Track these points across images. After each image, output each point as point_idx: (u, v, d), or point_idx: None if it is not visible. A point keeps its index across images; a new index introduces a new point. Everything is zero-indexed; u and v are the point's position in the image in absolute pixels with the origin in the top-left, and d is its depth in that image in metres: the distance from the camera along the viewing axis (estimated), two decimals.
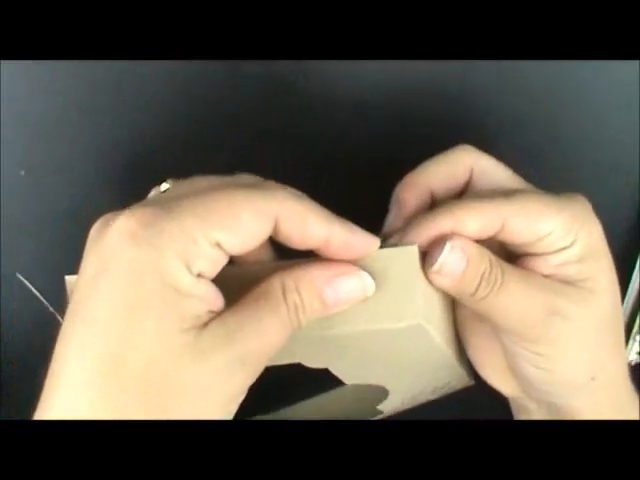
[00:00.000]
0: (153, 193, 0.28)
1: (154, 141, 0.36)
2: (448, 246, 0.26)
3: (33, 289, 0.31)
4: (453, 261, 0.26)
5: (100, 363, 0.22)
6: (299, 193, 0.26)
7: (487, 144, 0.38)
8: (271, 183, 0.26)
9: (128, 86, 0.35)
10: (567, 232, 0.27)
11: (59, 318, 0.30)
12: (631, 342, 0.41)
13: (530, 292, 0.27)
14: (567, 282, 0.27)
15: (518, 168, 0.39)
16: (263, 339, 0.24)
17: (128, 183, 0.37)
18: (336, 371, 0.31)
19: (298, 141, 0.37)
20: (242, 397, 0.24)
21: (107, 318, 0.22)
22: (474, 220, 0.26)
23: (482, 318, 0.29)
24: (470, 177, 0.30)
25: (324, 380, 0.36)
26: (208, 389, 0.23)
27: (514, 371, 0.30)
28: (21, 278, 0.32)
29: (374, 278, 0.26)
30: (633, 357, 0.41)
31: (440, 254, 0.26)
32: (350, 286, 0.25)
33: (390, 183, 0.39)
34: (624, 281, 0.41)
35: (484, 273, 0.26)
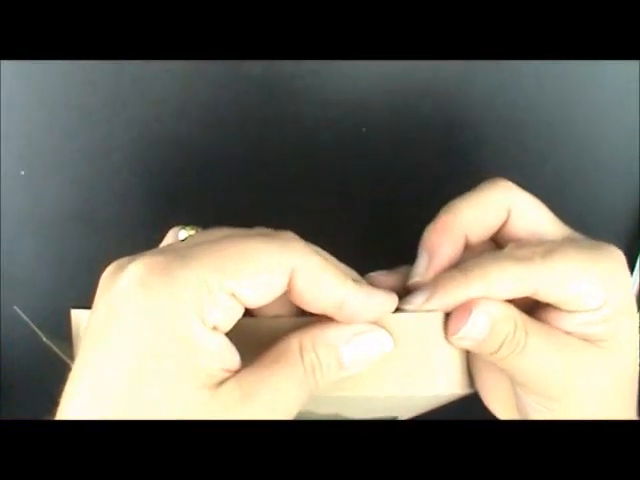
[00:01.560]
0: (170, 237, 0.28)
1: (154, 141, 0.36)
2: (473, 317, 0.25)
3: (29, 321, 0.31)
4: (477, 328, 0.25)
5: None
6: (316, 248, 0.25)
7: (487, 144, 0.38)
8: (287, 234, 0.24)
9: (128, 86, 0.35)
10: (598, 294, 0.26)
11: (55, 349, 0.30)
12: None
13: (551, 353, 0.26)
14: (588, 340, 0.27)
15: (517, 168, 0.39)
16: (280, 402, 0.23)
17: (128, 183, 0.37)
18: (345, 417, 0.30)
19: (298, 141, 0.37)
20: None
21: (114, 378, 0.21)
22: (507, 286, 0.26)
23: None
24: (507, 218, 0.28)
25: None
26: None
27: (523, 416, 0.29)
28: (18, 310, 0.32)
29: (395, 340, 0.25)
30: None
31: (465, 324, 0.25)
32: (368, 345, 0.25)
33: (390, 182, 0.39)
34: None
35: (507, 336, 0.26)
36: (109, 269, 0.24)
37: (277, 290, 0.23)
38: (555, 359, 0.26)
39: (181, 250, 0.23)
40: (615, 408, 0.27)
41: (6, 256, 0.37)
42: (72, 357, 0.28)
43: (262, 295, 0.23)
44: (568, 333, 0.27)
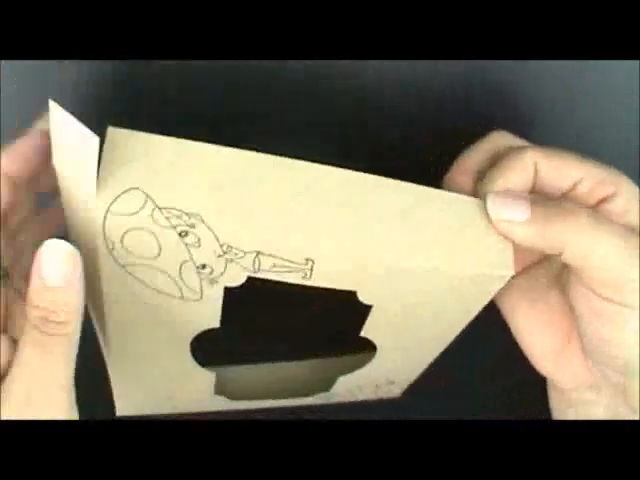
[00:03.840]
0: None
1: None
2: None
3: None
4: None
5: None
6: None
7: None
8: None
9: (128, 86, 0.35)
10: None
11: None
12: None
13: (613, 228, 0.27)
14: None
15: None
16: (36, 386, 0.24)
17: None
18: (365, 299, 0.30)
19: (298, 141, 0.37)
20: None
21: None
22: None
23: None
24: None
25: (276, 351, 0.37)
26: None
27: (585, 342, 0.30)
28: None
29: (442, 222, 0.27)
30: None
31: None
32: (51, 256, 0.25)
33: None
34: None
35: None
36: None
37: None
38: (617, 233, 0.27)
39: None
40: None
41: None
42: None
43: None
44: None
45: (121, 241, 0.26)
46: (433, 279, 0.28)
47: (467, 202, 0.29)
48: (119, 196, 0.25)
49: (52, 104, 0.24)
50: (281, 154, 0.28)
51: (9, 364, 0.25)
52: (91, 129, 0.24)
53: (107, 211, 0.25)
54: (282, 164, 0.27)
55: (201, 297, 0.29)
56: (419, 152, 0.38)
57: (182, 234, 0.25)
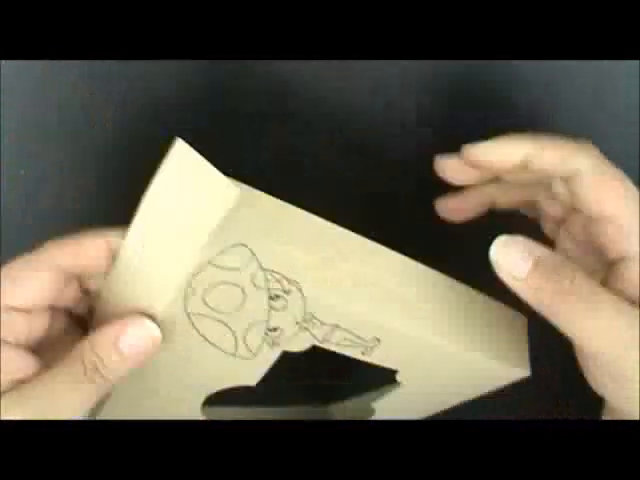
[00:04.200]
0: None
1: (154, 141, 0.36)
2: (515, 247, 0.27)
3: None
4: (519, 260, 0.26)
5: None
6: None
7: None
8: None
9: (128, 86, 0.35)
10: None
11: None
12: None
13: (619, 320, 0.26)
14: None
15: None
16: (57, 402, 0.25)
17: (128, 183, 0.37)
18: (403, 379, 0.32)
19: (298, 141, 0.37)
20: None
21: None
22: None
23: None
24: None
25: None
26: None
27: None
28: None
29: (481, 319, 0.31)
30: None
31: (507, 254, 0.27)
32: (139, 334, 0.25)
33: (391, 182, 0.39)
34: None
35: (553, 270, 0.26)
36: None
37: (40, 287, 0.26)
38: (617, 313, 0.25)
39: None
40: None
41: (6, 256, 0.37)
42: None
43: (35, 298, 0.26)
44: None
45: (205, 292, 0.25)
46: (459, 360, 0.31)
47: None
48: (226, 249, 0.24)
49: (180, 143, 0.24)
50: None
51: (32, 375, 0.25)
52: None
53: (209, 262, 0.24)
54: (386, 253, 0.29)
55: (253, 356, 0.28)
56: (419, 152, 0.38)
57: (273, 297, 0.25)
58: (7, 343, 0.25)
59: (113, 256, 0.27)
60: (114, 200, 0.37)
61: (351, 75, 0.36)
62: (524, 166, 0.29)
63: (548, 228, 0.32)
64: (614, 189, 0.28)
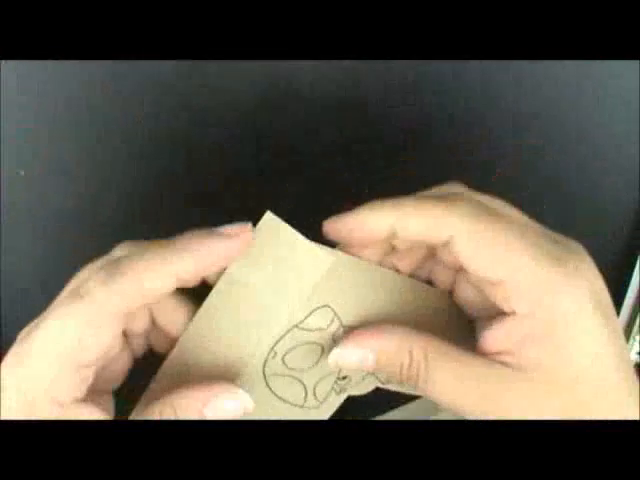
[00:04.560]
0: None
1: (154, 141, 0.36)
2: (356, 351, 0.25)
3: None
4: (361, 361, 0.26)
5: None
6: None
7: (487, 144, 0.38)
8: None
9: (128, 86, 0.35)
10: (510, 277, 0.24)
11: None
12: (631, 342, 0.41)
13: (461, 384, 0.25)
14: (510, 366, 0.25)
15: (518, 168, 0.39)
16: None
17: (128, 183, 0.37)
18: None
19: (298, 141, 0.37)
20: None
21: None
22: (418, 221, 0.25)
23: None
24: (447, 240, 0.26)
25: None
26: None
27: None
28: None
29: None
30: (633, 357, 0.41)
31: (349, 357, 0.26)
32: (227, 407, 0.25)
33: (391, 182, 0.39)
34: (624, 281, 0.41)
35: (401, 368, 0.25)
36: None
37: (108, 340, 0.24)
38: (466, 390, 0.25)
39: (33, 333, 0.24)
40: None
41: (6, 256, 0.37)
42: None
43: (97, 354, 0.24)
44: (487, 355, 0.25)
45: (286, 353, 0.26)
46: None
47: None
48: (313, 311, 0.25)
49: (270, 215, 0.25)
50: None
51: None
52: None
53: (295, 325, 0.25)
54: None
55: (319, 405, 0.29)
56: (418, 152, 0.38)
57: None
58: (82, 402, 0.24)
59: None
60: (114, 200, 0.37)
61: (351, 75, 0.36)
62: (393, 236, 0.26)
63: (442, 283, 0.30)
64: (493, 254, 0.24)
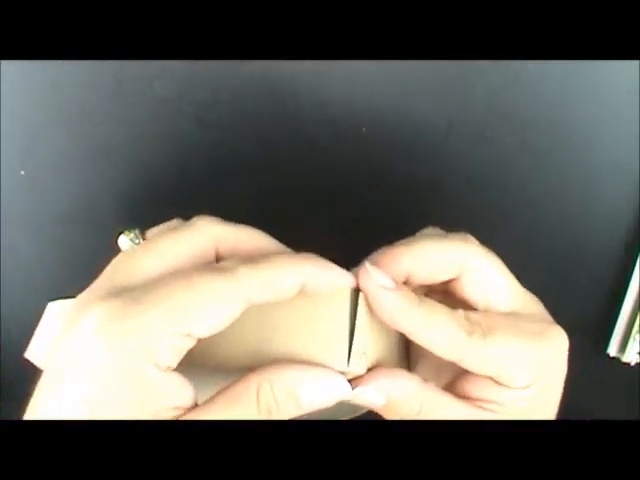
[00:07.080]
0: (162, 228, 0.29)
1: (154, 141, 0.36)
2: (369, 389, 0.26)
3: None
4: (372, 398, 0.26)
5: None
6: (264, 268, 0.25)
7: (487, 144, 0.38)
8: (235, 262, 0.25)
9: (128, 86, 0.35)
10: (524, 379, 0.26)
11: None
12: (631, 342, 0.41)
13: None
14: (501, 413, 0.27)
15: (518, 168, 0.39)
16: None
17: (128, 183, 0.37)
18: None
19: (298, 141, 0.37)
20: None
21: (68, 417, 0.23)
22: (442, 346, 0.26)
23: None
24: (459, 275, 0.28)
25: None
26: None
27: None
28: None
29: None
30: (633, 357, 0.41)
31: (361, 392, 0.26)
32: (327, 390, 0.25)
33: (391, 182, 0.39)
34: (624, 281, 0.41)
35: (404, 409, 0.26)
36: (73, 308, 0.25)
37: (228, 320, 0.24)
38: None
39: (137, 293, 0.24)
40: None
41: (6, 256, 0.37)
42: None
43: (215, 326, 0.24)
44: (478, 401, 0.27)
45: None
46: None
47: None
48: (350, 359, 0.26)
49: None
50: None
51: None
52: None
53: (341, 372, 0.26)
54: None
55: None
56: (418, 151, 0.38)
57: None
58: (174, 372, 0.24)
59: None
60: (114, 200, 0.37)
61: (351, 75, 0.36)
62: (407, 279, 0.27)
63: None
64: (497, 288, 0.28)
